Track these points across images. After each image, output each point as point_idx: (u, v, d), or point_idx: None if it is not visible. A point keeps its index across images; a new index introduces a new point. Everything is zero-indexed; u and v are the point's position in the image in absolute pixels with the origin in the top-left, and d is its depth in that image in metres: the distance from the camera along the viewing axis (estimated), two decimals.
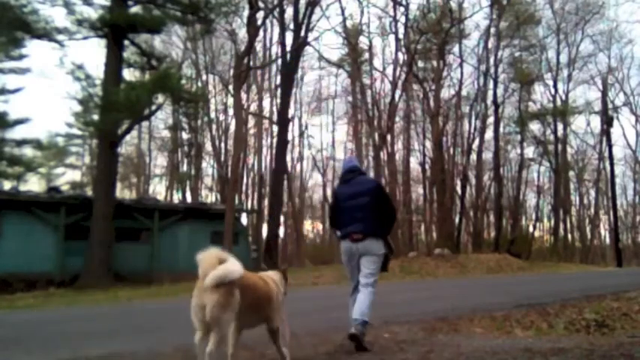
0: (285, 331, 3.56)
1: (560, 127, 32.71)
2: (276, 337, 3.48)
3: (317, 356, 4.08)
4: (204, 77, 31.95)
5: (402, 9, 25.51)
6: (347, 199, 4.37)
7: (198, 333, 2.94)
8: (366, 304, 4.09)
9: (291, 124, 28.31)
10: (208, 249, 3.05)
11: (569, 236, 35.86)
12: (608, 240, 40.48)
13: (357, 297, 4.20)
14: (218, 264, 2.90)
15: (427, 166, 31.29)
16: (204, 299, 2.86)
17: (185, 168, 34.72)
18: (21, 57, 21.20)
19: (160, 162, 37.75)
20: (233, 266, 2.94)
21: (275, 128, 27.92)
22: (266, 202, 28.94)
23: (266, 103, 32.46)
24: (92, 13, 17.11)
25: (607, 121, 30.56)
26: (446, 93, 29.75)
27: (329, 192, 36.87)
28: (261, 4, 21.86)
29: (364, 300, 4.12)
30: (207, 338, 2.90)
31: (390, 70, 28.30)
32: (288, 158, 30.51)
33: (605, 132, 31.32)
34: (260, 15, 22.59)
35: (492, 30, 28.27)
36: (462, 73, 28.48)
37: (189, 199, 31.66)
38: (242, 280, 3.00)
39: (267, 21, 26.33)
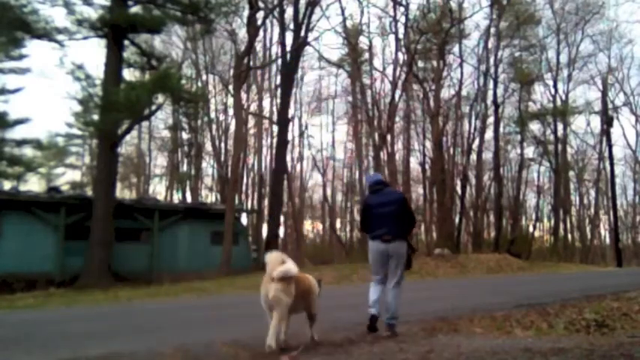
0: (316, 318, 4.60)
1: (560, 127, 32.73)
2: (313, 321, 4.54)
3: (317, 356, 4.08)
4: (204, 77, 31.97)
5: (402, 9, 25.52)
6: (376, 207, 5.15)
7: (269, 316, 4.04)
8: (398, 301, 4.99)
9: (291, 124, 28.31)
10: (272, 252, 4.26)
11: (569, 236, 35.84)
12: (608, 240, 40.48)
13: (390, 294, 5.00)
14: (281, 263, 4.03)
15: (427, 166, 31.28)
16: (273, 288, 3.96)
17: (185, 168, 34.72)
18: (21, 57, 21.22)
19: (160, 162, 37.80)
20: (292, 265, 4.07)
21: (275, 128, 27.91)
22: (266, 202, 28.93)
23: (266, 103, 32.49)
24: (92, 13, 17.12)
25: (607, 121, 30.58)
26: (446, 93, 29.80)
27: (329, 192, 37.01)
28: (261, 4, 21.88)
29: (394, 298, 4.98)
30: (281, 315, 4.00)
31: (390, 70, 28.32)
32: (288, 158, 30.49)
33: (605, 132, 31.33)
34: (260, 15, 22.63)
35: (492, 30, 28.28)
36: (462, 73, 28.53)
37: (189, 199, 31.66)
38: (296, 277, 4.14)
39: (267, 21, 26.35)
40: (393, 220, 5.02)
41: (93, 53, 45.08)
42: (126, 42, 17.79)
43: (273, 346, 3.91)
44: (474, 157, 29.46)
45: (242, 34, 26.88)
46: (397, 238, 5.02)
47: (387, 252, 5.02)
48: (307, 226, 41.00)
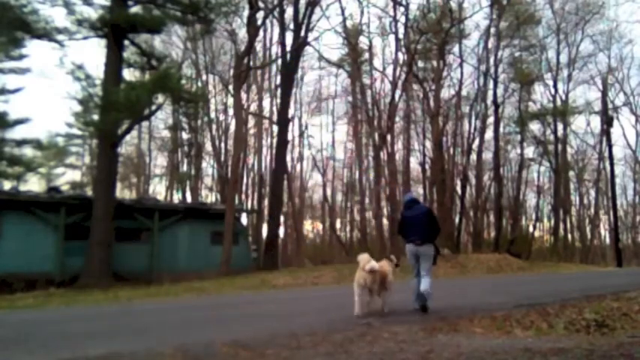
0: (391, 293, 6.77)
1: (560, 127, 32.70)
2: (386, 294, 6.69)
3: (317, 356, 4.07)
4: (204, 77, 31.96)
5: (402, 9, 25.52)
6: (410, 218, 6.91)
7: (357, 292, 6.31)
8: (429, 286, 6.62)
9: (291, 124, 28.30)
10: (362, 254, 6.65)
11: (569, 236, 35.80)
12: (608, 240, 40.45)
13: (424, 282, 6.62)
14: (368, 261, 6.32)
15: (427, 166, 31.28)
16: (365, 277, 6.27)
17: (185, 168, 34.71)
18: (21, 57, 21.23)
19: (160, 162, 37.77)
20: (375, 263, 6.39)
21: (275, 128, 27.91)
22: (266, 202, 28.93)
23: (266, 103, 32.49)
24: (92, 13, 17.13)
25: (607, 121, 30.53)
26: (446, 93, 29.76)
27: (329, 192, 37.03)
28: (261, 4, 21.87)
29: (427, 283, 6.62)
30: (364, 294, 6.34)
31: (390, 70, 28.30)
32: (288, 158, 30.49)
33: (605, 132, 31.29)
34: (260, 15, 22.62)
35: (492, 30, 28.25)
36: (462, 73, 28.49)
37: (189, 199, 31.65)
38: (378, 269, 6.44)
39: (267, 21, 26.35)
40: (422, 229, 6.71)
41: (93, 53, 45.08)
42: (126, 42, 17.79)
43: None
44: (474, 157, 29.46)
45: (242, 34, 26.92)
46: (425, 242, 6.69)
47: (417, 252, 6.74)
48: (307, 226, 41.01)
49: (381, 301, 6.66)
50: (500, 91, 29.61)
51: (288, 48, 24.53)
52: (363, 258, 6.45)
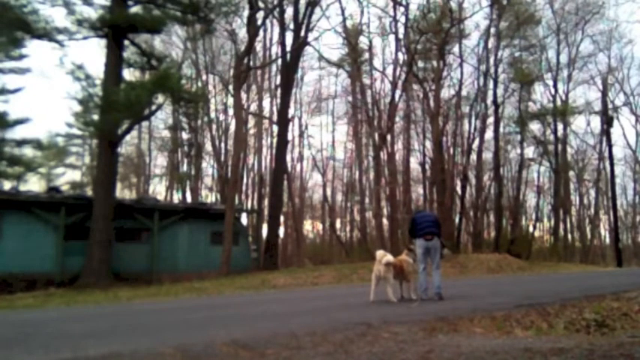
0: (414, 284, 8.08)
1: (560, 127, 32.71)
2: (408, 285, 8.04)
3: (317, 356, 4.07)
4: (204, 77, 31.99)
5: (402, 9, 25.55)
6: (421, 218, 8.52)
7: (373, 283, 7.66)
8: (440, 279, 8.18)
9: (291, 124, 28.32)
10: (379, 250, 8.13)
11: (569, 236, 35.80)
12: (608, 240, 40.45)
13: (433, 276, 8.16)
14: (384, 255, 7.52)
15: (427, 166, 31.28)
16: (380, 269, 7.44)
17: (185, 168, 34.73)
18: (21, 57, 21.19)
19: (160, 162, 37.80)
20: (390, 257, 7.59)
21: (275, 128, 27.92)
22: (266, 202, 28.93)
23: (266, 103, 32.51)
24: (92, 13, 17.16)
25: (607, 121, 30.54)
26: (446, 93, 29.76)
27: (329, 192, 37.06)
28: (261, 4, 21.88)
29: (438, 277, 8.17)
30: (378, 285, 7.58)
31: (390, 70, 28.34)
32: (288, 158, 30.51)
33: (605, 132, 31.30)
34: (260, 15, 22.64)
35: (492, 30, 28.27)
36: (462, 73, 28.48)
37: (189, 199, 31.66)
38: (393, 262, 7.62)
39: (267, 21, 26.37)
40: (432, 226, 8.24)
41: (93, 53, 45.12)
42: (126, 42, 17.80)
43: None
44: (474, 157, 29.45)
45: (242, 34, 26.94)
46: (435, 236, 8.19)
47: (427, 246, 8.14)
48: (307, 226, 41.00)
49: (407, 290, 7.98)
50: (500, 91, 29.66)
51: (288, 48, 24.53)
52: (379, 253, 7.69)
